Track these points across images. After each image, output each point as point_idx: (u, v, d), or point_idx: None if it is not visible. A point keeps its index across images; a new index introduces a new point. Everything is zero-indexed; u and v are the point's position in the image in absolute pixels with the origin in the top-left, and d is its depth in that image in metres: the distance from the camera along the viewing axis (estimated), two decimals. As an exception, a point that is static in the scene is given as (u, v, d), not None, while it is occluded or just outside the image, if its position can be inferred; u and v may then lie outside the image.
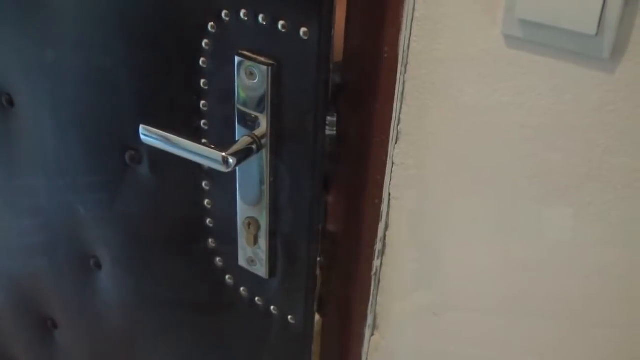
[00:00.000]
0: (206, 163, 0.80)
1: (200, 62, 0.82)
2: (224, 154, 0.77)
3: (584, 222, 0.72)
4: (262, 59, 0.76)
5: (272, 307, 0.95)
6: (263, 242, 0.89)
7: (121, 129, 0.96)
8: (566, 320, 0.78)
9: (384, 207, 0.84)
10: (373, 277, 0.89)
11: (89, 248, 1.15)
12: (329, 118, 0.80)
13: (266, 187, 0.84)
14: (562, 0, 0.61)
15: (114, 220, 1.07)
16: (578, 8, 0.61)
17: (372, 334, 0.95)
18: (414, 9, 0.70)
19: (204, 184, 0.92)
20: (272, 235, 0.88)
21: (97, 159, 1.03)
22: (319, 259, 0.90)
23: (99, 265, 1.15)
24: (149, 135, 0.83)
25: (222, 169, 0.78)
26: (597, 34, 0.61)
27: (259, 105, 0.79)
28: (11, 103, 1.09)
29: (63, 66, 0.98)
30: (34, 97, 1.06)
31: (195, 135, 0.87)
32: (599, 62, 0.64)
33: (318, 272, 0.91)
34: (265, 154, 0.82)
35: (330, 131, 0.81)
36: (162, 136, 0.82)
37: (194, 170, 0.91)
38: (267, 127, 0.80)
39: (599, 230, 0.71)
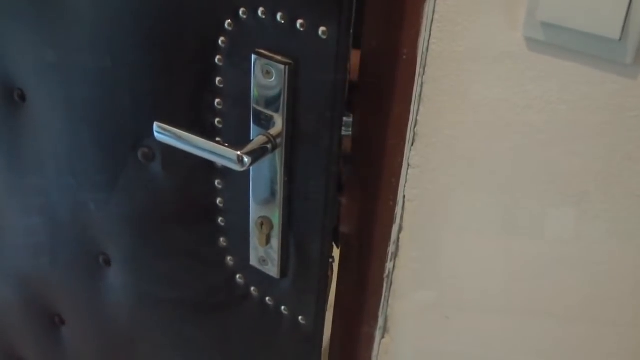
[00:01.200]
0: (221, 162, 0.79)
1: (216, 60, 0.82)
2: (239, 152, 0.77)
3: (600, 228, 0.71)
4: (279, 57, 0.76)
5: (282, 308, 0.94)
6: (275, 241, 0.88)
7: (134, 125, 0.96)
8: (579, 323, 0.78)
9: (398, 210, 0.83)
10: (385, 280, 0.89)
11: (99, 245, 1.14)
12: (344, 119, 0.79)
13: (280, 187, 0.84)
14: (586, 3, 0.60)
15: (125, 218, 1.07)
16: (602, 12, 0.60)
17: (383, 337, 0.94)
18: (434, 11, 0.70)
19: (216, 182, 0.91)
20: (285, 235, 0.88)
21: (109, 155, 1.02)
22: (331, 259, 0.90)
23: (108, 262, 1.15)
24: (163, 133, 0.82)
25: (237, 167, 0.77)
26: (620, 39, 0.61)
27: (275, 104, 0.78)
28: (23, 98, 1.09)
29: (76, 62, 0.98)
30: (46, 92, 1.06)
31: (208, 133, 0.87)
32: (621, 67, 0.63)
33: (330, 272, 0.91)
34: (280, 153, 0.81)
35: (345, 132, 0.80)
36: (176, 134, 0.81)
37: (207, 168, 0.90)
38: (282, 127, 0.79)
39: (616, 236, 0.71)
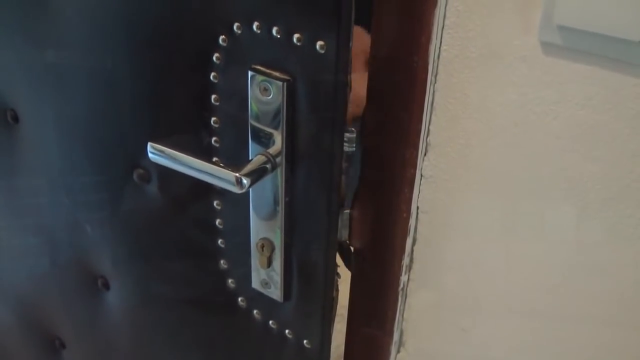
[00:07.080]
0: (218, 184, 0.76)
1: (211, 77, 0.78)
2: (237, 174, 0.73)
3: (621, 235, 0.68)
4: (276, 74, 0.72)
5: (286, 331, 0.91)
6: (277, 264, 0.85)
7: (129, 146, 0.92)
8: (598, 328, 0.75)
9: (412, 221, 0.80)
10: (400, 293, 0.85)
11: (97, 268, 1.11)
12: (347, 135, 0.76)
13: (281, 207, 0.80)
14: (604, 5, 0.57)
15: (122, 240, 1.04)
16: (621, 13, 0.57)
17: (398, 351, 0.91)
18: (444, 17, 0.67)
19: (215, 203, 0.88)
20: (287, 257, 0.84)
21: (104, 177, 0.99)
22: (337, 278, 0.86)
23: (106, 286, 1.12)
24: (157, 154, 0.79)
25: (236, 190, 0.74)
26: (640, 41, 0.58)
27: (274, 122, 0.75)
28: (16, 119, 1.06)
29: (69, 82, 0.95)
30: (39, 113, 1.03)
31: (206, 153, 0.84)
32: (642, 69, 0.60)
33: (335, 294, 0.87)
34: (280, 173, 0.78)
35: (349, 148, 0.77)
36: (170, 155, 0.78)
37: (205, 189, 0.87)
38: (282, 145, 0.76)
39: (638, 243, 0.68)
